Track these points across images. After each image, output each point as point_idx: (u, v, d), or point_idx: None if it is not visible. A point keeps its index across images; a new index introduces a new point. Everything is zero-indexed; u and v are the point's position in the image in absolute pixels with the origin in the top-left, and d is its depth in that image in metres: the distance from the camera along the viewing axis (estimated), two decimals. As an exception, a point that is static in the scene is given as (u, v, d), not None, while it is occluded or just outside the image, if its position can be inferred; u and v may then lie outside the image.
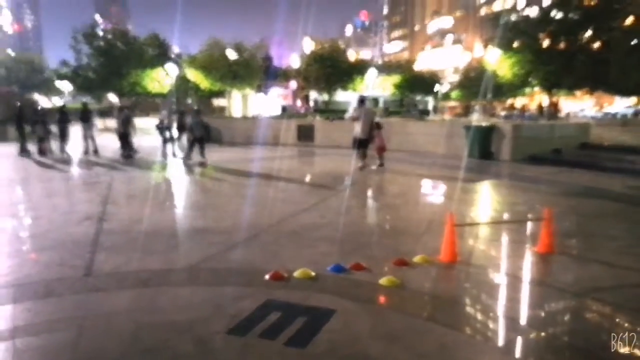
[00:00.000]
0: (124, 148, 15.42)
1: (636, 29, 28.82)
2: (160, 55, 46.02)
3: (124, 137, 15.45)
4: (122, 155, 15.25)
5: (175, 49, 48.74)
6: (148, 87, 43.92)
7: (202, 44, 41.90)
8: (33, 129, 16.30)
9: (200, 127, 14.11)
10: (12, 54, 70.81)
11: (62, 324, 3.82)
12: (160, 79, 43.98)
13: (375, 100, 48.67)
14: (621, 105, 49.30)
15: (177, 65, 42.86)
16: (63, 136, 16.50)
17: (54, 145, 16.93)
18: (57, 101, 52.51)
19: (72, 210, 8.12)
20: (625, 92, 37.13)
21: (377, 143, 12.63)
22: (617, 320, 4.14)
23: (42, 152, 16.05)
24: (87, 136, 16.57)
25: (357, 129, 12.31)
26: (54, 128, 17.19)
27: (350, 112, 12.94)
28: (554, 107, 35.46)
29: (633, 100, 43.98)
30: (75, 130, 17.52)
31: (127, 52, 43.43)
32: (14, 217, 7.64)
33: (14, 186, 10.68)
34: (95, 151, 16.44)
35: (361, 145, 12.34)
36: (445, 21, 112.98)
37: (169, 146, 15.86)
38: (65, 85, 47.95)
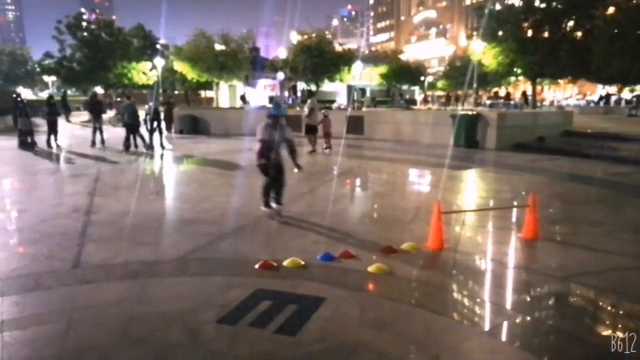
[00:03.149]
0: (143, 140, 15.11)
1: (618, 18, 29.09)
2: (146, 46, 45.46)
3: (136, 128, 15.04)
4: (145, 147, 14.96)
5: (162, 41, 48.23)
6: (134, 79, 43.39)
7: (188, 35, 41.49)
8: (15, 121, 15.88)
9: (282, 135, 6.66)
10: (-7, 45, 69.62)
11: (50, 316, 3.80)
12: (147, 71, 43.48)
13: (363, 90, 48.61)
14: (603, 93, 49.87)
15: (163, 57, 42.37)
16: (52, 129, 16.11)
17: (42, 138, 16.58)
18: (42, 94, 51.69)
19: (60, 202, 8.04)
20: (607, 80, 37.54)
21: (324, 129, 14.39)
22: (601, 303, 4.24)
23: (26, 144, 15.66)
24: (97, 128, 16.19)
25: (307, 117, 13.95)
26: (40, 121, 16.78)
27: (309, 104, 14.33)
28: (525, 96, 35.87)
29: (614, 89, 44.51)
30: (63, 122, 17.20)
31: (112, 43, 42.80)
32: (1, 210, 7.54)
33: (1, 179, 10.51)
34: (103, 142, 16.13)
35: (311, 131, 13.93)
36: (431, 12, 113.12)
37: (156, 137, 15.70)
38: (50, 78, 47.22)
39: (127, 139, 14.93)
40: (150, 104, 16.52)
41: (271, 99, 7.32)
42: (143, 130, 15.40)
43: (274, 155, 6.71)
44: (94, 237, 5.88)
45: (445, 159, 11.88)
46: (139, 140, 15.11)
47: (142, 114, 15.87)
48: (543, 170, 10.92)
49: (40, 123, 18.30)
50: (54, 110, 16.41)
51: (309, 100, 14.64)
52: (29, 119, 15.90)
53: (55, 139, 16.10)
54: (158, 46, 46.03)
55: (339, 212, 7.13)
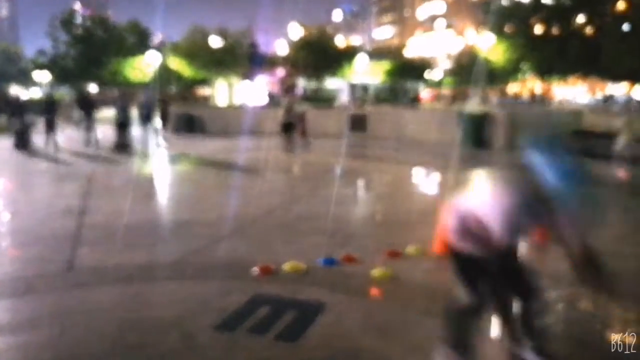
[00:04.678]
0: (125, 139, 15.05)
1: (628, 14, 28.83)
2: (141, 43, 45.12)
3: (126, 126, 14.99)
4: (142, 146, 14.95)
5: (158, 37, 47.85)
6: (129, 76, 43.12)
7: (185, 30, 41.21)
8: (10, 121, 15.68)
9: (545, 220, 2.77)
10: (-14, 43, 69.54)
11: (43, 321, 3.74)
12: (142, 68, 43.16)
13: (365, 88, 48.28)
14: (612, 91, 49.45)
15: (159, 53, 42.04)
16: (50, 128, 15.97)
17: (40, 138, 16.50)
18: (35, 92, 51.37)
19: (53, 203, 7.92)
20: (617, 78, 37.27)
21: (301, 128, 14.98)
22: (611, 308, 4.10)
23: (21, 145, 15.46)
24: (89, 127, 16.09)
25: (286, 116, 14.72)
26: (34, 119, 16.64)
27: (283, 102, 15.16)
28: (533, 95, 35.75)
29: (624, 87, 44.15)
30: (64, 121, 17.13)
31: (107, 39, 42.46)
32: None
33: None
34: (96, 141, 16.02)
35: (288, 129, 14.55)
36: (436, 6, 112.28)
37: (151, 136, 15.57)
38: (44, 76, 46.82)
39: (120, 138, 14.82)
40: (143, 99, 16.38)
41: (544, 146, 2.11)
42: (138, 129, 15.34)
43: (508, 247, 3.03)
44: (87, 239, 5.77)
45: (452, 159, 11.73)
46: (134, 139, 14.99)
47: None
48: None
49: (33, 121, 18.22)
50: (52, 108, 16.26)
51: (285, 102, 15.56)
52: (23, 118, 15.75)
53: (53, 138, 15.99)
54: (153, 42, 45.62)
55: (341, 214, 6.99)
